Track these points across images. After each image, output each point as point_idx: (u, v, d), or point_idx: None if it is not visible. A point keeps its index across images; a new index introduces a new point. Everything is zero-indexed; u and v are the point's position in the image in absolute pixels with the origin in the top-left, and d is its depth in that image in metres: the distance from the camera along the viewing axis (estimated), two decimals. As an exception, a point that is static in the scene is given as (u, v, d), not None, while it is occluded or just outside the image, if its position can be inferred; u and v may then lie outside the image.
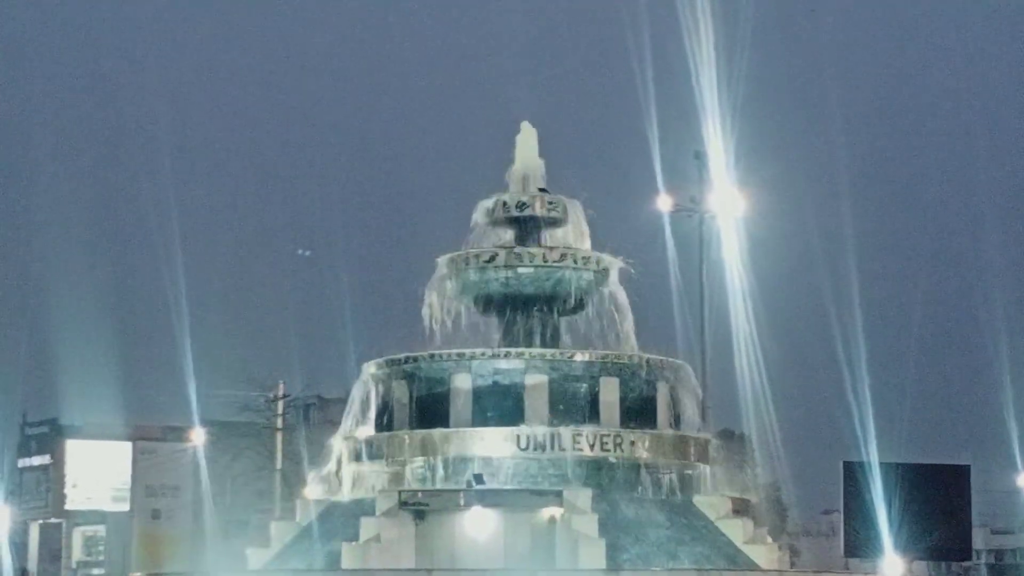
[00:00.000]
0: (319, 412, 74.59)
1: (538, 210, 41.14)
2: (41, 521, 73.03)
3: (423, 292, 40.61)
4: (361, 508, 36.08)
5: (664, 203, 47.86)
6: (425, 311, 40.41)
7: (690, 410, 40.03)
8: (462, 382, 37.96)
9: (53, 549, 72.97)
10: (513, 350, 38.74)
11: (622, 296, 40.49)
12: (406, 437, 38.11)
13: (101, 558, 72.66)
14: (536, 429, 36.91)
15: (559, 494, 34.92)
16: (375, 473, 38.31)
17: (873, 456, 38.26)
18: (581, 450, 36.81)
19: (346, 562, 33.99)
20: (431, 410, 38.18)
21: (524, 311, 40.07)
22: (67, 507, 72.03)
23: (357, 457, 38.78)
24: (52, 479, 72.54)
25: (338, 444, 39.75)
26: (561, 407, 37.60)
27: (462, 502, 35.26)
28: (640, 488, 37.26)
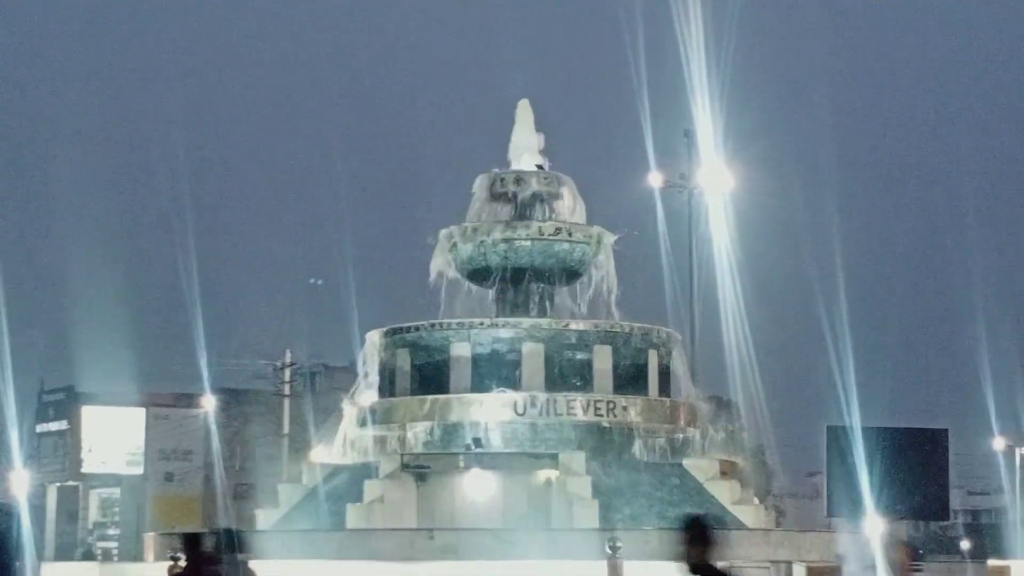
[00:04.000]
0: (325, 380, 74.61)
1: (534, 186, 41.22)
2: (59, 484, 73.06)
3: (426, 264, 40.72)
4: (365, 471, 36.18)
5: (655, 179, 47.86)
6: (430, 281, 40.54)
7: (680, 377, 40.14)
8: (462, 350, 38.05)
9: (70, 511, 73.02)
10: (510, 320, 38.83)
11: (614, 267, 40.56)
12: (408, 403, 38.20)
13: (116, 519, 72.74)
14: (532, 395, 37.00)
15: (555, 457, 35.03)
16: (378, 437, 38.40)
17: (856, 421, 38.33)
18: (575, 415, 36.91)
19: (351, 522, 34.10)
20: (432, 377, 38.27)
21: (521, 282, 40.14)
22: (83, 471, 72.06)
23: (361, 422, 38.89)
24: (69, 444, 72.56)
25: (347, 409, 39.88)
26: (556, 374, 37.69)
27: (462, 465, 35.38)
28: (632, 451, 37.36)
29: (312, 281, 40.65)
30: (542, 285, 40.29)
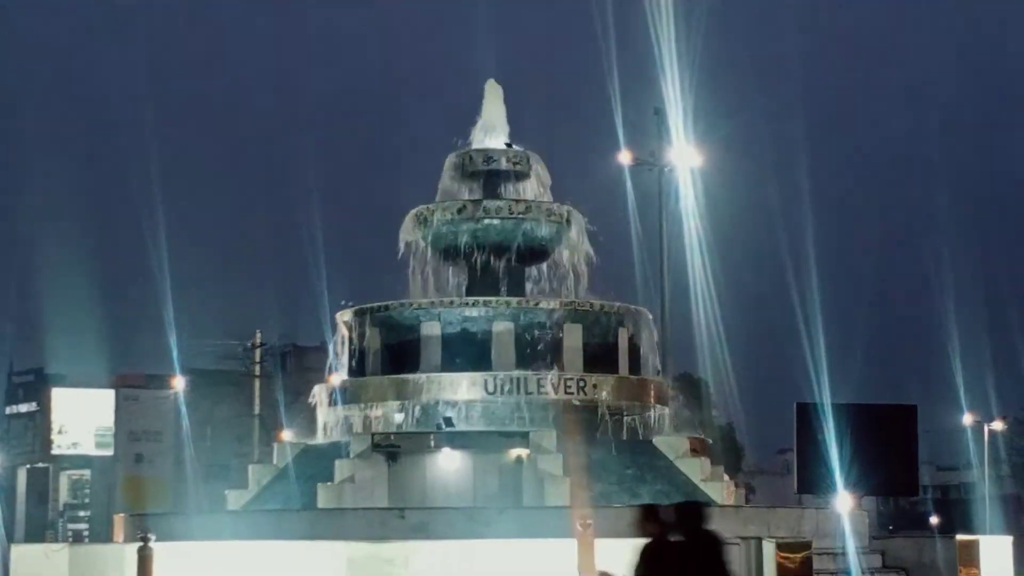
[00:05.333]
0: (295, 360, 74.56)
1: (503, 164, 41.18)
2: (29, 466, 72.87)
3: (396, 242, 40.67)
4: (336, 450, 36.12)
5: (625, 157, 47.75)
6: (399, 259, 40.51)
7: (650, 355, 40.16)
8: (432, 329, 37.99)
9: (40, 492, 72.82)
10: (480, 299, 38.77)
11: (584, 246, 40.55)
12: (379, 382, 38.13)
13: (87, 501, 72.57)
14: (503, 374, 36.96)
15: (525, 435, 35.02)
16: (349, 417, 38.34)
17: (825, 398, 38.46)
18: (546, 393, 36.89)
19: (322, 502, 34.03)
20: (402, 356, 38.22)
21: (490, 261, 40.07)
22: (53, 452, 71.87)
23: (332, 401, 38.81)
24: (39, 425, 72.35)
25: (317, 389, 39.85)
26: (527, 353, 37.66)
27: (433, 444, 35.35)
28: (602, 429, 37.37)
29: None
30: (512, 264, 40.23)
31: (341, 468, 34.67)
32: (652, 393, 38.96)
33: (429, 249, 40.53)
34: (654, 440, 37.70)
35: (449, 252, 40.44)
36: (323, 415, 39.18)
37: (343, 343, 40.22)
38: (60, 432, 71.68)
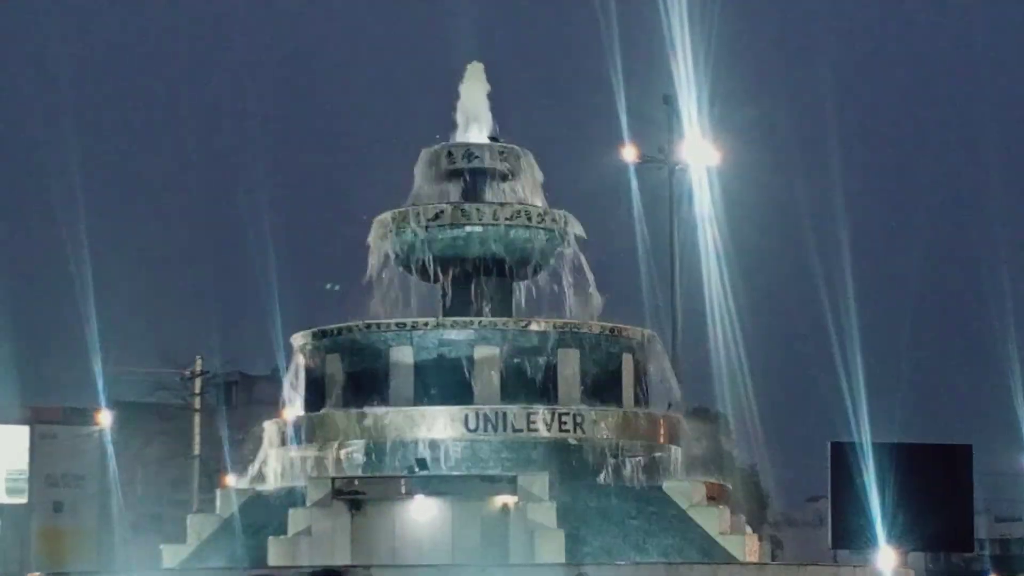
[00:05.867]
0: (242, 391, 74.72)
1: (488, 161, 41.24)
2: (-70, 515, 72.83)
3: (361, 254, 40.76)
4: (290, 498, 36.12)
5: (629, 153, 48.01)
6: (367, 273, 40.58)
7: (659, 386, 40.24)
8: (403, 355, 38.03)
9: (-58, 546, 72.78)
10: (460, 319, 38.84)
11: (582, 258, 40.64)
12: (340, 417, 38.16)
13: (-4, 556, 72.49)
14: (486, 407, 37.02)
15: (513, 480, 35.07)
16: (305, 459, 38.35)
17: (865, 436, 38.54)
18: (537, 431, 36.96)
19: (273, 558, 34.04)
20: (368, 387, 38.25)
21: (473, 275, 40.16)
22: (-42, 499, 71.86)
23: (283, 441, 38.82)
24: (-58, 467, 72.31)
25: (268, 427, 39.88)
26: (515, 383, 37.72)
27: (404, 490, 35.38)
28: (603, 473, 37.44)
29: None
30: (497, 278, 40.31)
31: (296, 519, 34.67)
32: (662, 430, 39.04)
33: (400, 262, 40.58)
34: (664, 486, 37.76)
35: (424, 265, 40.49)
36: (275, 456, 39.18)
37: (298, 372, 40.25)
38: (-35, 476, 71.62)
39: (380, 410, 37.67)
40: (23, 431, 72.59)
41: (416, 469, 35.82)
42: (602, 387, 38.57)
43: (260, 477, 39.63)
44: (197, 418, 62.86)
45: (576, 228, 40.75)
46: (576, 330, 38.82)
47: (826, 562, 42.58)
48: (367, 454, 37.59)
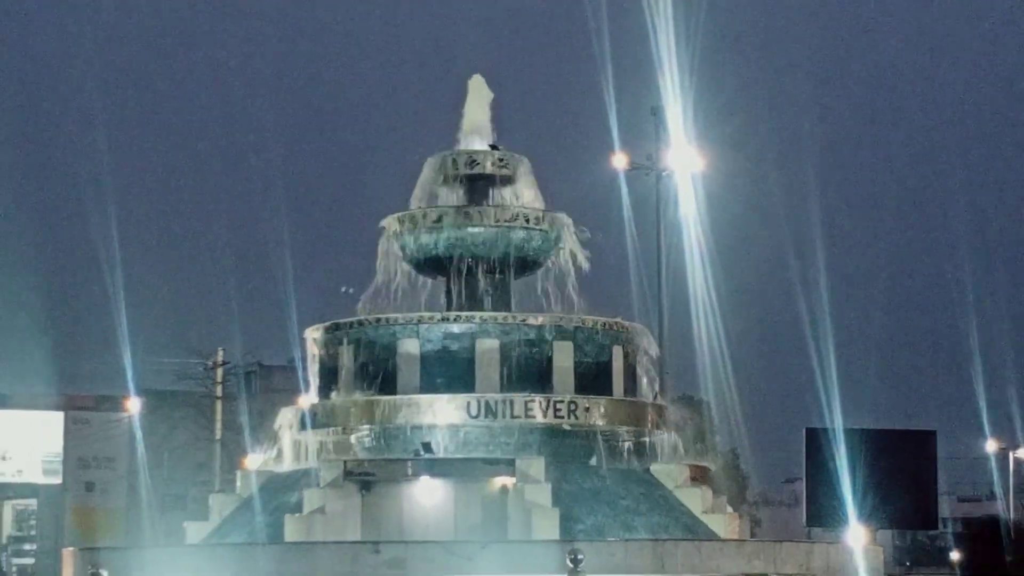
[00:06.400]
0: (261, 380, 74.53)
1: (488, 167, 41.20)
2: (-30, 496, 72.73)
3: (371, 253, 40.72)
4: (305, 479, 36.13)
5: (619, 160, 47.94)
6: (377, 274, 40.55)
7: (647, 375, 40.24)
8: (410, 347, 38.04)
9: (-18, 524, 72.75)
10: (463, 314, 38.83)
11: (576, 257, 40.61)
12: (351, 405, 38.16)
13: (33, 533, 72.44)
14: (487, 396, 37.01)
15: (511, 463, 35.07)
16: (319, 442, 38.36)
17: (837, 422, 38.63)
18: (534, 417, 36.95)
19: (289, 535, 34.03)
20: (378, 376, 38.24)
21: (474, 273, 40.13)
22: (-3, 480, 71.76)
23: (300, 425, 38.82)
24: (-19, 451, 72.17)
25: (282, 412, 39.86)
26: (513, 373, 37.71)
27: (410, 472, 35.38)
28: (595, 456, 37.44)
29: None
30: (497, 276, 40.29)
31: (310, 498, 34.67)
32: (649, 417, 39.02)
33: (407, 261, 40.57)
34: (651, 468, 37.78)
35: (429, 263, 40.49)
36: (291, 440, 39.17)
37: (313, 362, 40.25)
38: (4, 458, 71.52)
39: (388, 398, 37.67)
40: (58, 417, 72.43)
41: (422, 452, 35.80)
42: (594, 377, 38.57)
43: (278, 459, 39.65)
44: (219, 405, 62.73)
45: (570, 229, 40.74)
46: (570, 324, 38.83)
47: (801, 539, 42.51)
48: (376, 438, 37.61)
